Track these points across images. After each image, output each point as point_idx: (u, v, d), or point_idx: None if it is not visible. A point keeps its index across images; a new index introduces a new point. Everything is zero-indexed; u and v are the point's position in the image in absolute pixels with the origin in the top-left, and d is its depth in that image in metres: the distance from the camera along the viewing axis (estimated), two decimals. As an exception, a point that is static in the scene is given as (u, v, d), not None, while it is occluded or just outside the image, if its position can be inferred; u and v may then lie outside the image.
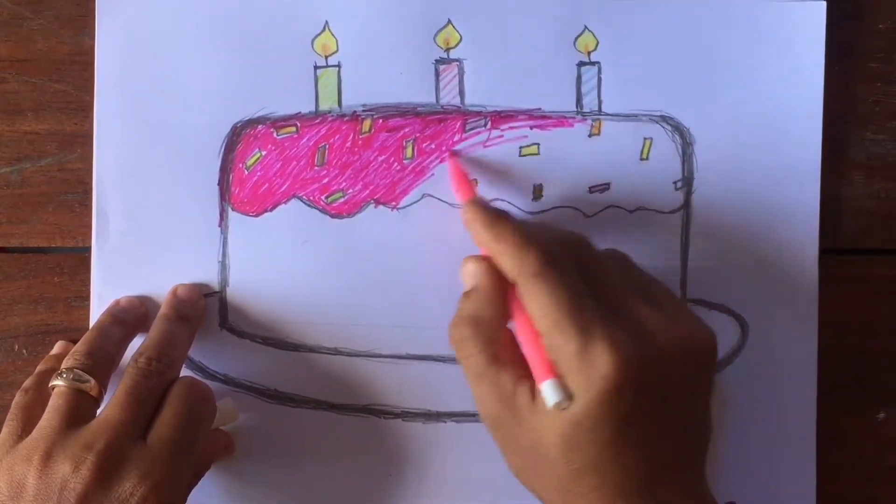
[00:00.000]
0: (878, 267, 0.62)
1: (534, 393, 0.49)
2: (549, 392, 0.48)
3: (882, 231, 0.62)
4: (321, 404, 0.60)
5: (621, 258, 0.56)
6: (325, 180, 0.60)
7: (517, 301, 0.51)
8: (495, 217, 0.53)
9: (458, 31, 0.60)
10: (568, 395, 0.48)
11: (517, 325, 0.51)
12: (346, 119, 0.60)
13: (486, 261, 0.52)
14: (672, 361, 0.49)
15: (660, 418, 0.49)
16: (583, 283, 0.50)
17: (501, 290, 0.52)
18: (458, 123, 0.60)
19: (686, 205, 0.60)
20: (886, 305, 0.62)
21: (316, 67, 0.60)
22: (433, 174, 0.60)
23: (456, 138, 0.60)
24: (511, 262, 0.51)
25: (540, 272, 0.49)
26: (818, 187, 0.60)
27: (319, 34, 0.60)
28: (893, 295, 0.62)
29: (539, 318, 0.49)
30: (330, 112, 0.60)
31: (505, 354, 0.51)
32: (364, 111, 0.60)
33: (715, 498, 0.51)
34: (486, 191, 0.60)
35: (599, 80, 0.60)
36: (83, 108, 0.61)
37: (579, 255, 0.52)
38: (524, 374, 0.50)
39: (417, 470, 0.61)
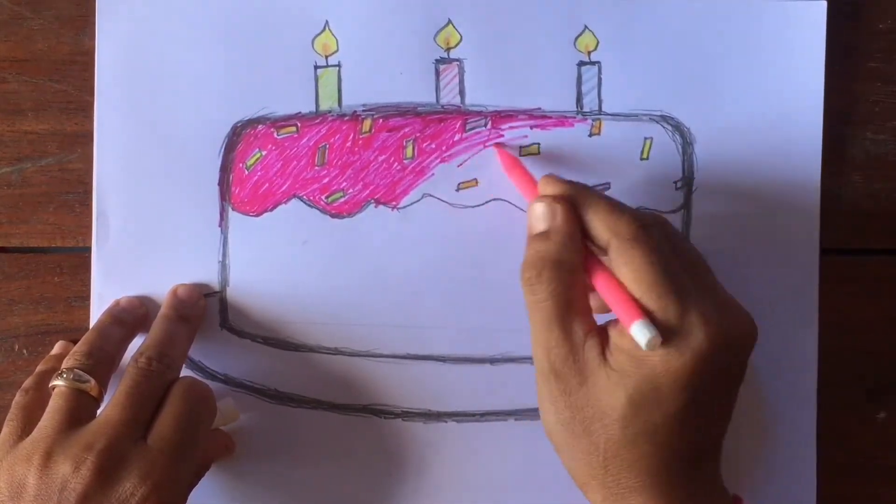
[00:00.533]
0: (878, 267, 0.62)
1: (603, 349, 0.49)
2: (644, 329, 0.47)
3: (882, 231, 0.62)
4: (321, 404, 0.61)
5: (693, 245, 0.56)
6: (326, 180, 0.60)
7: (595, 261, 0.51)
8: (579, 185, 0.53)
9: (458, 31, 0.60)
10: (660, 335, 0.47)
11: (601, 283, 0.50)
12: (346, 119, 0.60)
13: (564, 202, 0.52)
14: (742, 347, 0.50)
15: (719, 400, 0.50)
16: (673, 255, 0.50)
17: (579, 237, 0.51)
18: (459, 123, 0.60)
19: (686, 205, 0.60)
20: (886, 305, 0.62)
21: (316, 67, 0.60)
22: (433, 174, 0.60)
23: (456, 138, 0.60)
24: (604, 224, 0.50)
25: (635, 236, 0.49)
26: (818, 187, 0.60)
27: (320, 34, 0.60)
28: (893, 295, 0.62)
29: (634, 279, 0.49)
30: (330, 112, 0.60)
31: (579, 304, 0.51)
32: (364, 111, 0.60)
33: None
34: (486, 191, 0.60)
35: (600, 79, 0.60)
36: (83, 108, 0.61)
37: (666, 230, 0.52)
38: (594, 328, 0.50)
39: (418, 470, 0.61)
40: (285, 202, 0.60)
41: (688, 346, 0.47)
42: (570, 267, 0.51)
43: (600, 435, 0.49)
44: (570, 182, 0.53)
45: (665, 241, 0.50)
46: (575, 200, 0.52)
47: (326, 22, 0.60)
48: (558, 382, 0.50)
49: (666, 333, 0.47)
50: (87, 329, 0.59)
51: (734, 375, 0.51)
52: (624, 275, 0.49)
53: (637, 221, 0.50)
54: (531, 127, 0.60)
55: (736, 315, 0.50)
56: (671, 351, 0.47)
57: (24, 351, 0.62)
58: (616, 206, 0.51)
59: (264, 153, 0.60)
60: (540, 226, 0.52)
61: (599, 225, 0.51)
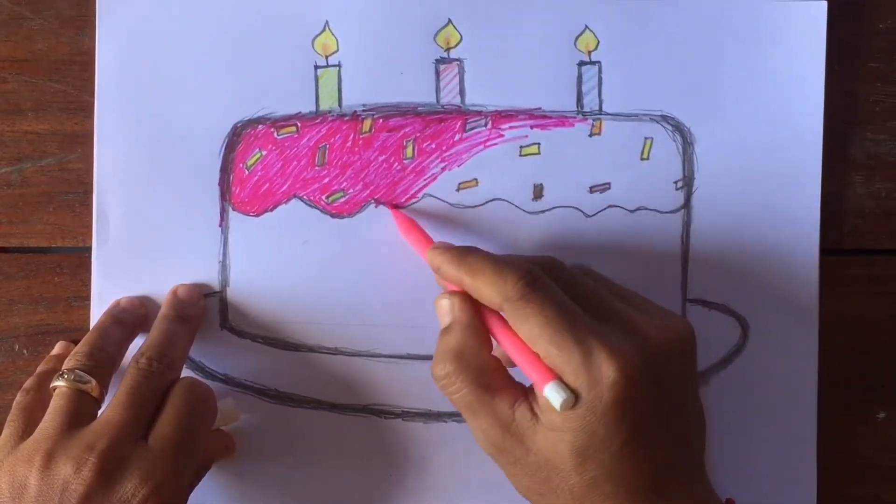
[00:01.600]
0: (878, 267, 0.62)
1: (535, 411, 0.50)
2: (554, 393, 0.48)
3: (882, 231, 0.62)
4: (322, 404, 0.61)
5: (589, 270, 0.57)
6: (326, 180, 0.60)
7: (500, 327, 0.51)
8: (464, 252, 0.53)
9: (458, 31, 0.60)
10: (573, 392, 0.48)
11: (507, 347, 0.51)
12: (346, 119, 0.60)
13: (460, 294, 0.53)
14: (667, 358, 0.50)
15: (664, 416, 0.50)
16: (567, 298, 0.50)
17: (480, 319, 0.52)
18: (459, 123, 0.60)
19: (686, 205, 0.60)
20: (886, 305, 0.62)
21: (316, 67, 0.60)
22: (434, 174, 0.60)
23: (456, 138, 0.60)
24: (492, 289, 0.51)
25: (524, 294, 0.50)
26: (818, 187, 0.60)
27: (320, 34, 0.60)
28: (893, 295, 0.62)
29: (533, 339, 0.49)
30: (330, 112, 0.60)
31: (496, 382, 0.51)
32: (364, 111, 0.60)
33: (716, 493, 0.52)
34: (486, 191, 0.60)
35: (600, 79, 0.60)
36: (83, 108, 0.61)
37: (556, 274, 0.52)
38: (518, 395, 0.51)
39: (418, 470, 0.61)
40: (285, 202, 0.60)
41: (603, 386, 0.47)
42: (474, 352, 0.51)
43: (563, 488, 0.49)
44: (456, 252, 0.53)
45: (556, 287, 0.51)
46: (461, 271, 0.52)
47: (326, 22, 0.60)
48: (505, 457, 0.51)
49: (576, 383, 0.48)
50: (87, 329, 0.59)
51: (675, 386, 0.51)
52: (524, 335, 0.49)
53: (524, 279, 0.50)
54: (531, 127, 0.60)
55: (652, 330, 0.51)
56: (591, 397, 0.48)
57: (24, 351, 0.62)
58: (500, 268, 0.51)
59: (264, 153, 0.60)
60: (445, 320, 0.53)
61: (489, 292, 0.51)
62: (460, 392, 0.51)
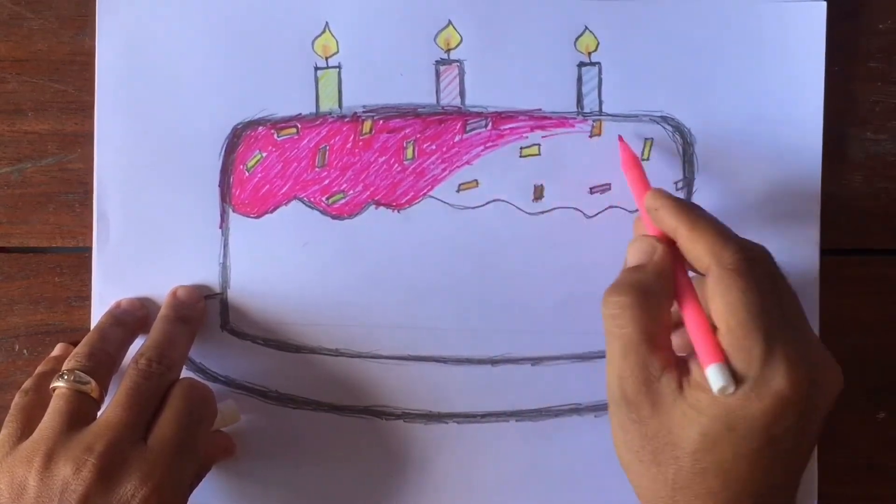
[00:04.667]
0: (878, 267, 0.62)
1: (681, 383, 0.49)
2: (717, 375, 0.47)
3: (882, 231, 0.62)
4: (322, 405, 0.61)
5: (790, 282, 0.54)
6: (326, 181, 0.60)
7: (688, 291, 0.51)
8: (688, 204, 0.52)
9: (458, 32, 0.60)
10: (734, 381, 0.47)
11: (689, 312, 0.50)
12: (346, 120, 0.60)
13: (666, 241, 0.52)
14: (826, 393, 0.49)
15: (799, 444, 0.49)
16: (771, 292, 0.49)
17: (674, 273, 0.51)
18: (459, 124, 0.60)
19: (686, 205, 0.60)
20: (886, 305, 0.62)
21: (316, 69, 0.60)
22: (434, 175, 0.60)
23: (456, 139, 0.60)
24: (708, 249, 0.49)
25: (739, 267, 0.48)
26: (818, 187, 0.60)
27: (320, 35, 0.60)
28: (893, 295, 0.62)
29: (725, 312, 0.48)
30: (330, 113, 0.60)
31: (660, 338, 0.50)
32: (364, 112, 0.60)
33: None
34: (486, 192, 0.60)
35: (600, 80, 0.60)
36: (83, 108, 0.61)
37: (769, 265, 0.51)
38: (672, 362, 0.49)
39: (419, 471, 0.61)
40: (286, 204, 0.60)
41: (768, 391, 0.46)
42: (658, 300, 0.50)
43: (669, 466, 0.48)
44: (678, 201, 0.53)
45: (766, 277, 0.49)
46: (681, 219, 0.51)
47: (326, 23, 0.60)
48: (629, 411, 0.49)
49: (745, 373, 0.47)
50: (87, 329, 0.59)
51: (815, 421, 0.49)
52: (717, 306, 0.48)
53: (742, 252, 0.49)
54: (531, 128, 0.60)
55: (824, 361, 0.49)
56: (750, 394, 0.47)
57: (25, 351, 0.62)
58: (723, 232, 0.50)
59: (265, 155, 0.60)
60: (637, 259, 0.52)
61: (703, 248, 0.50)
62: (625, 329, 0.49)
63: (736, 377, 0.47)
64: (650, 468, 0.49)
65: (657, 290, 0.50)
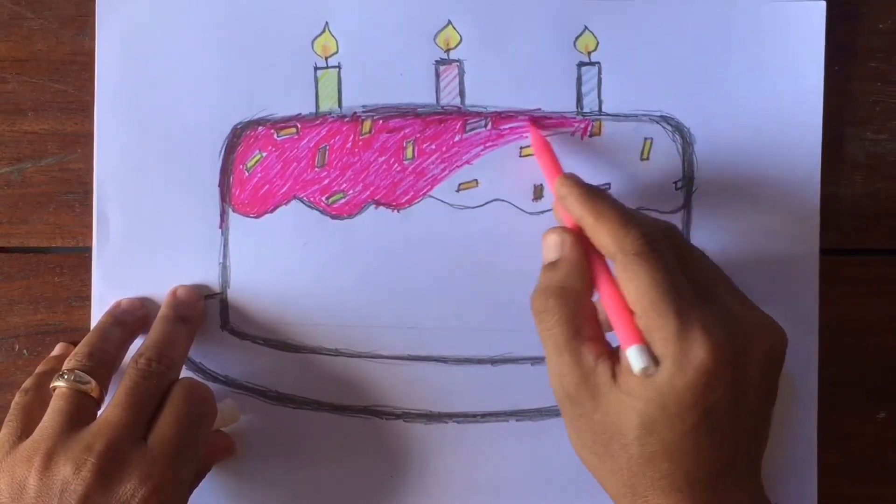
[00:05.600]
0: (878, 267, 0.62)
1: (614, 371, 0.49)
2: (636, 357, 0.47)
3: (882, 231, 0.62)
4: (322, 405, 0.61)
5: (704, 254, 0.55)
6: (326, 181, 0.60)
7: (604, 276, 0.51)
8: (594, 192, 0.53)
9: (458, 32, 0.60)
10: (654, 361, 0.47)
11: (604, 297, 0.51)
12: (346, 120, 0.60)
13: (573, 232, 0.52)
14: (757, 357, 0.49)
15: (738, 412, 0.49)
16: (678, 269, 0.50)
17: (588, 262, 0.52)
18: (459, 124, 0.60)
19: (686, 205, 0.60)
20: (886, 305, 0.62)
21: (316, 68, 0.60)
22: (434, 175, 0.60)
23: (456, 139, 0.60)
24: (611, 237, 0.50)
25: (642, 251, 0.49)
26: (818, 187, 0.60)
27: (319, 35, 0.60)
28: (893, 295, 0.62)
29: (636, 297, 0.49)
30: (330, 113, 0.60)
31: (588, 329, 0.51)
32: (364, 112, 0.60)
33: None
34: (486, 191, 0.60)
35: (600, 80, 0.60)
36: (83, 108, 0.61)
37: (674, 242, 0.52)
38: (605, 351, 0.50)
39: (419, 471, 0.61)
40: (286, 203, 0.60)
41: (690, 365, 0.47)
42: (575, 294, 0.51)
43: (621, 455, 0.49)
44: (585, 188, 0.53)
45: (672, 253, 0.50)
46: (585, 209, 0.52)
47: (326, 23, 0.60)
48: (574, 407, 0.50)
49: (664, 352, 0.47)
50: (87, 329, 0.59)
51: (749, 389, 0.49)
52: (628, 291, 0.49)
53: (643, 237, 0.49)
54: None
55: (752, 326, 0.50)
56: (674, 371, 0.47)
57: (25, 351, 0.62)
58: (625, 219, 0.51)
59: (264, 154, 0.60)
60: (551, 255, 0.52)
61: (606, 238, 0.50)
62: (553, 329, 0.50)
63: (655, 357, 0.47)
64: (605, 460, 0.50)
65: (573, 283, 0.51)
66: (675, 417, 0.47)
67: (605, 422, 0.49)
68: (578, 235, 0.52)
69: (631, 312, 0.49)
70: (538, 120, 0.60)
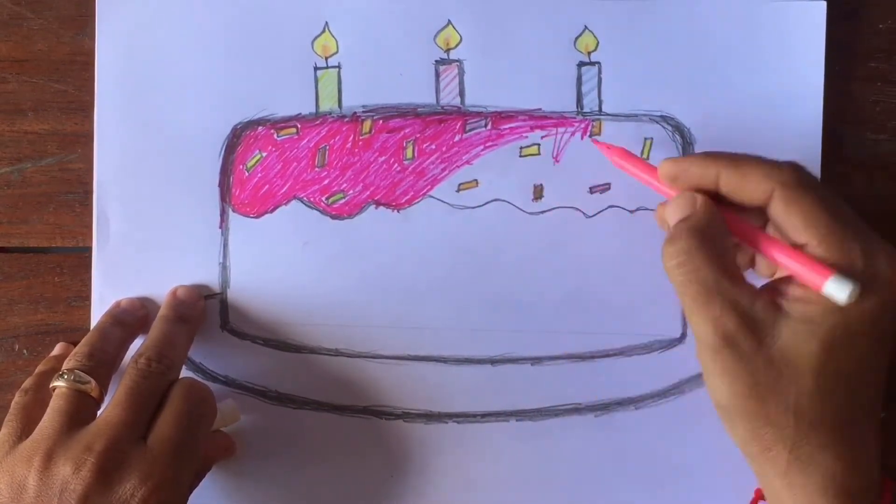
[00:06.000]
0: (878, 267, 0.62)
1: (779, 303, 0.48)
2: (838, 287, 0.46)
3: (882, 231, 0.61)
4: (322, 405, 0.61)
5: None
6: (326, 181, 0.60)
7: (750, 227, 0.50)
8: (707, 152, 0.52)
9: (458, 32, 0.60)
10: (854, 286, 0.46)
11: (765, 245, 0.49)
12: (346, 120, 0.60)
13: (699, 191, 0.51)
14: None
15: (893, 341, 0.48)
16: (834, 195, 0.49)
17: (724, 216, 0.50)
18: (459, 124, 0.60)
19: (686, 205, 0.60)
20: (886, 305, 0.62)
21: (316, 68, 0.60)
22: (434, 175, 0.60)
23: (456, 139, 0.60)
24: (764, 175, 0.49)
25: (802, 181, 0.48)
26: (818, 187, 0.60)
27: (319, 35, 0.60)
28: (893, 295, 0.62)
29: (809, 227, 0.48)
30: (330, 113, 0.60)
31: (736, 271, 0.49)
32: (364, 112, 0.60)
33: None
34: (486, 192, 0.60)
35: (600, 80, 0.60)
36: (83, 108, 0.61)
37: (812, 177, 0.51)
38: (756, 290, 0.49)
39: (419, 471, 0.61)
40: (286, 204, 0.60)
41: (879, 283, 0.46)
42: (720, 235, 0.50)
43: (790, 392, 0.47)
44: (697, 154, 0.52)
45: (821, 184, 0.50)
46: (719, 162, 0.51)
47: (326, 23, 0.60)
48: (731, 351, 0.48)
49: (855, 276, 0.46)
50: (87, 329, 0.59)
51: None
52: (797, 223, 0.48)
53: (798, 169, 0.49)
54: (531, 127, 0.60)
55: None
56: (861, 292, 0.46)
57: (25, 351, 0.62)
58: (766, 159, 0.50)
59: (264, 154, 0.60)
60: (680, 214, 0.51)
61: (758, 176, 0.49)
62: (699, 272, 0.49)
63: (852, 276, 0.46)
64: (767, 403, 0.48)
65: (716, 227, 0.50)
66: (859, 342, 0.47)
67: (772, 358, 0.47)
68: (706, 195, 0.51)
69: (800, 250, 0.48)
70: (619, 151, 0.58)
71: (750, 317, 0.48)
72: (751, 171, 0.50)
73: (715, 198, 0.51)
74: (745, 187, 0.50)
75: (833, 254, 0.47)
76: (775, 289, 0.49)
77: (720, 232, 0.50)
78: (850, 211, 0.50)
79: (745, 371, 0.48)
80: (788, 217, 0.48)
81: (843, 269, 0.47)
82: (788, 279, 0.49)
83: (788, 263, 0.48)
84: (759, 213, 0.51)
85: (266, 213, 0.60)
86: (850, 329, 0.47)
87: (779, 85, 0.60)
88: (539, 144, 0.60)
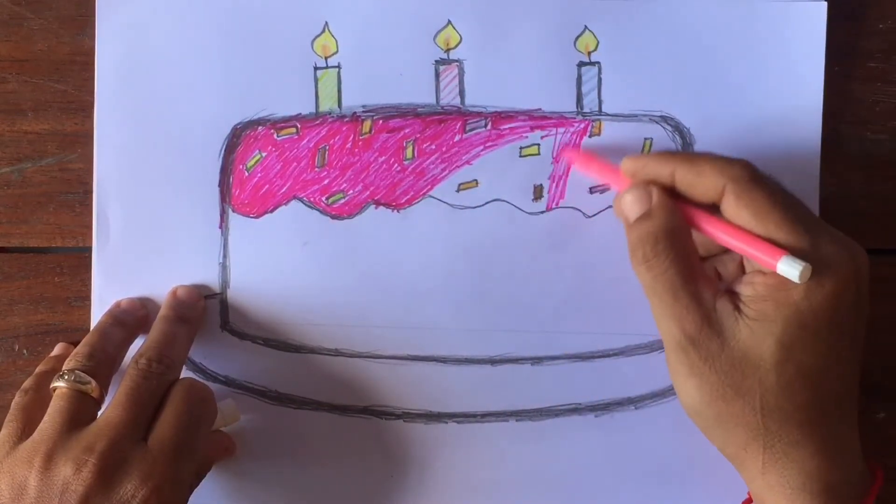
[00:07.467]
0: (878, 267, 0.62)
1: (737, 304, 0.49)
2: (790, 264, 0.47)
3: (882, 231, 0.62)
4: (322, 405, 0.61)
5: None
6: (326, 181, 0.60)
7: (705, 216, 0.51)
8: (664, 152, 0.54)
9: (458, 32, 0.60)
10: (806, 265, 0.47)
11: (718, 231, 0.51)
12: (346, 120, 0.60)
13: (655, 183, 0.52)
14: (866, 268, 0.50)
15: (857, 330, 0.50)
16: (784, 189, 0.50)
17: (681, 205, 0.52)
18: (459, 124, 0.60)
19: (686, 204, 0.60)
20: (886, 305, 0.62)
21: (316, 68, 0.60)
22: (434, 175, 0.60)
23: (456, 139, 0.60)
24: (717, 171, 0.50)
25: (755, 176, 0.50)
26: (818, 187, 0.60)
27: (319, 35, 0.60)
28: (892, 294, 0.62)
29: (760, 220, 0.49)
30: (330, 113, 0.60)
31: (697, 269, 0.50)
32: (364, 112, 0.60)
33: None
34: (486, 192, 0.60)
35: (600, 80, 0.60)
36: (83, 108, 0.61)
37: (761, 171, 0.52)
38: (716, 287, 0.50)
39: (419, 471, 0.61)
40: (285, 203, 0.60)
41: (829, 274, 0.47)
42: (683, 234, 0.51)
43: (755, 391, 0.48)
44: (656, 153, 0.54)
45: (771, 179, 0.51)
46: (675, 160, 0.52)
47: (326, 23, 0.60)
48: (697, 351, 0.49)
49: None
50: (87, 329, 0.59)
51: (866, 295, 0.50)
52: (746, 217, 0.49)
53: (749, 165, 0.50)
54: (531, 128, 0.60)
55: (857, 248, 0.50)
56: (811, 285, 0.47)
57: (24, 351, 0.62)
58: (717, 155, 0.51)
59: (264, 154, 0.60)
60: (636, 210, 0.52)
61: (712, 173, 0.50)
62: (667, 272, 0.50)
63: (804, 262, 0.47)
64: (734, 403, 0.49)
65: (678, 224, 0.51)
66: (814, 335, 0.47)
67: (735, 358, 0.49)
68: (660, 186, 0.52)
69: (756, 235, 0.49)
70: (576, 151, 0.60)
71: (713, 316, 0.49)
72: (704, 168, 0.51)
73: (672, 195, 0.52)
74: (698, 183, 0.51)
75: (786, 244, 0.48)
76: (730, 290, 0.50)
77: (682, 227, 0.51)
78: (802, 205, 0.51)
79: (712, 371, 0.49)
80: (739, 211, 0.50)
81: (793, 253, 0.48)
82: (741, 280, 0.50)
83: (736, 245, 0.50)
84: (714, 210, 0.52)
85: (266, 213, 0.60)
86: (805, 323, 0.48)
87: (779, 85, 0.60)
88: (539, 144, 0.60)
